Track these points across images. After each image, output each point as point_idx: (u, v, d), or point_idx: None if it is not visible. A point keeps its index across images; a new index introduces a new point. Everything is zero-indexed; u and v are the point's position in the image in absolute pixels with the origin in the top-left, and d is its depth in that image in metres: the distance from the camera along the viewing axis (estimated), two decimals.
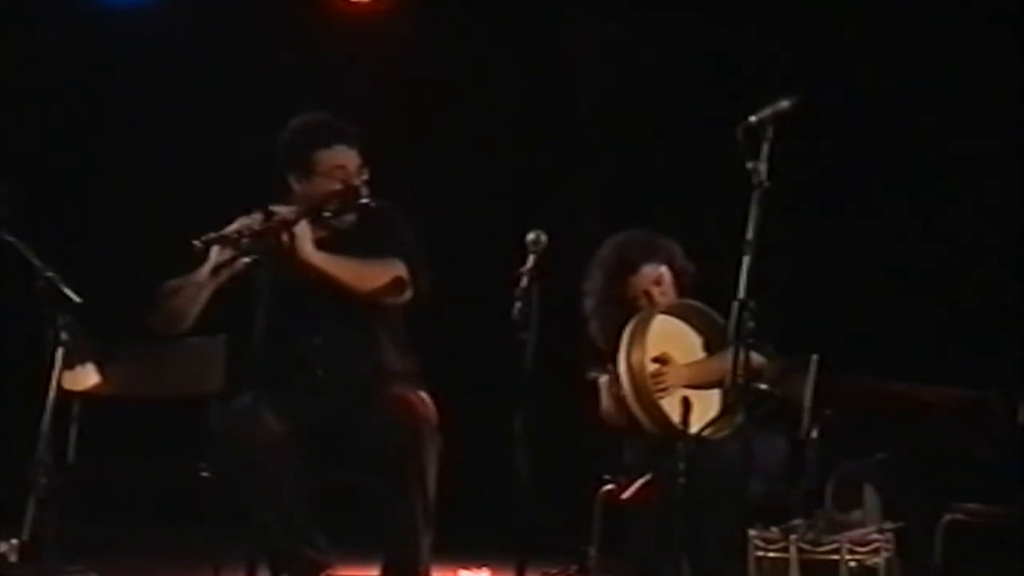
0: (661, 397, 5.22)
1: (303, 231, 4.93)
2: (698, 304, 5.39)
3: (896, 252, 6.92)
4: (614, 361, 5.30)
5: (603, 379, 5.40)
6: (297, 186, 5.11)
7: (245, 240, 4.93)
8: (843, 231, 6.97)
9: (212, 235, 4.92)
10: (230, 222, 5.06)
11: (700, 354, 5.39)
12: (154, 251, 6.81)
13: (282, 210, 4.99)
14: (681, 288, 5.49)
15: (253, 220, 5.01)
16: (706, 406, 5.18)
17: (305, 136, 5.12)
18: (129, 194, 7.64)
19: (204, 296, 4.96)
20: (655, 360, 5.29)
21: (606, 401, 5.40)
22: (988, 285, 6.66)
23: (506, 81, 7.49)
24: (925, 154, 6.91)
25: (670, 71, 7.23)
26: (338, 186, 5.06)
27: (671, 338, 5.36)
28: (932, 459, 5.53)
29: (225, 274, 4.93)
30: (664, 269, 5.48)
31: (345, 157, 5.08)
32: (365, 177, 5.08)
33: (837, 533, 4.79)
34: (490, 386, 5.33)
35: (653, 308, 5.40)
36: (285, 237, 4.91)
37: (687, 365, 5.32)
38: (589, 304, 5.56)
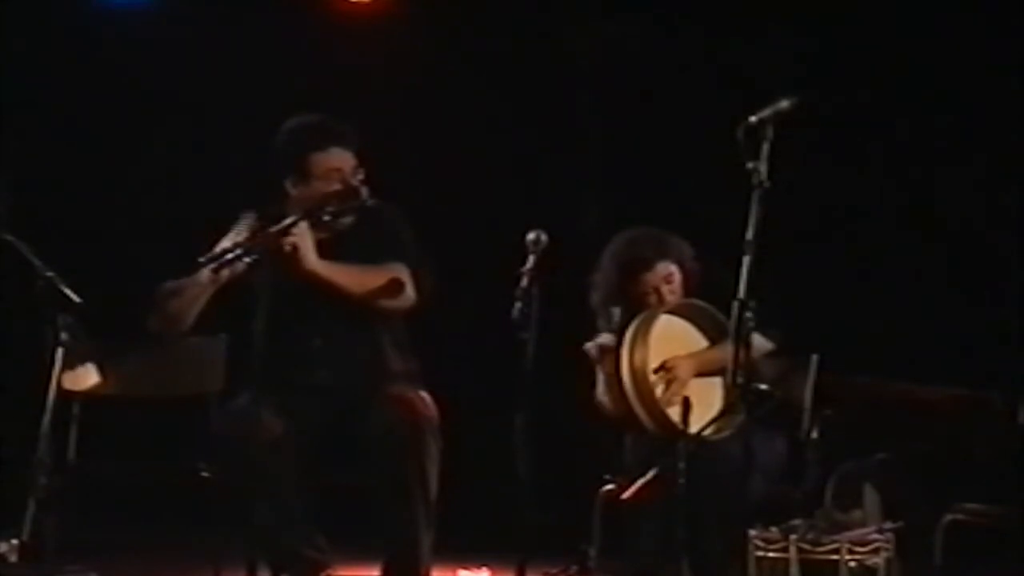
0: (673, 399, 5.22)
1: (304, 238, 4.92)
2: (702, 303, 5.38)
3: (896, 252, 6.93)
4: (617, 357, 5.31)
5: (599, 340, 5.40)
6: (293, 190, 5.09)
7: (247, 248, 4.92)
8: (844, 230, 6.98)
9: (215, 251, 4.91)
10: (230, 222, 5.06)
11: None
12: (154, 251, 6.85)
13: (283, 223, 4.96)
14: (687, 289, 5.49)
15: (249, 224, 5.00)
16: (706, 406, 5.18)
17: (299, 139, 5.09)
18: (129, 194, 7.64)
19: (204, 298, 4.95)
20: (658, 370, 5.28)
21: (599, 386, 5.40)
22: (988, 285, 6.66)
23: (506, 81, 7.49)
24: (928, 152, 6.92)
25: (670, 70, 7.23)
26: (336, 188, 5.05)
27: (675, 338, 5.36)
28: (932, 459, 5.53)
29: (225, 276, 4.92)
30: (675, 268, 5.48)
31: (340, 159, 5.07)
32: (361, 177, 5.07)
33: (837, 533, 4.80)
34: (490, 386, 5.33)
35: (658, 307, 5.40)
36: (287, 246, 4.90)
37: (693, 354, 5.32)
38: (597, 297, 5.55)
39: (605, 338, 5.44)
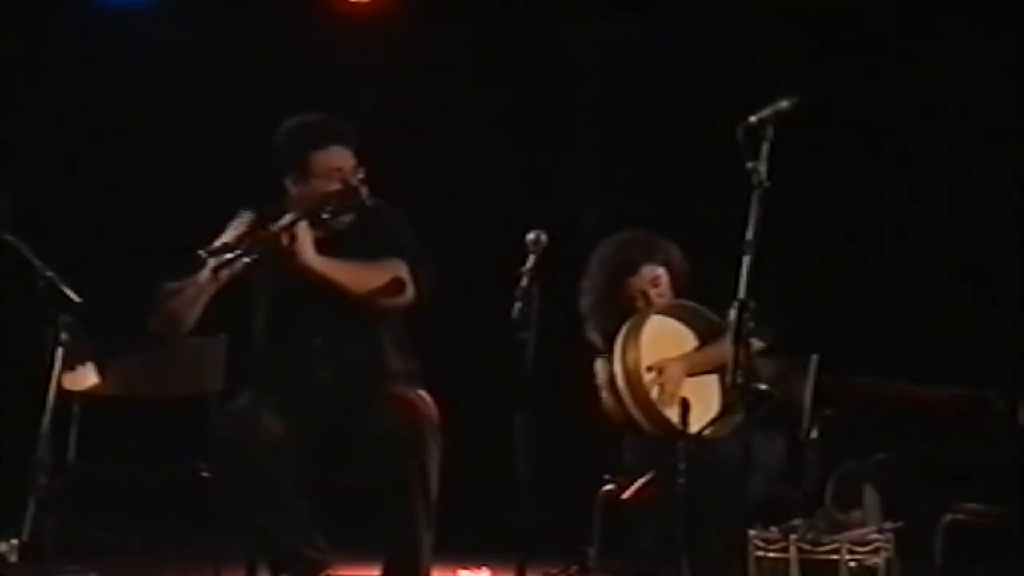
0: (669, 401, 5.22)
1: (303, 236, 4.92)
2: (692, 304, 5.40)
3: (897, 251, 6.93)
4: (611, 359, 5.31)
5: (598, 365, 5.41)
6: (294, 188, 5.09)
7: (247, 244, 4.92)
8: (843, 230, 6.98)
9: (215, 245, 4.91)
10: (230, 222, 5.06)
11: None
12: (154, 251, 6.84)
13: (283, 220, 4.96)
14: (677, 290, 5.50)
15: (247, 222, 5.00)
16: (706, 406, 5.18)
17: (299, 138, 5.09)
18: (129, 193, 7.64)
19: (204, 298, 4.95)
20: (650, 369, 5.29)
21: (604, 391, 5.41)
22: (989, 285, 6.66)
23: (506, 81, 7.49)
24: (928, 152, 6.92)
25: (670, 70, 7.23)
26: (336, 187, 5.05)
27: (667, 338, 5.36)
28: (932, 459, 5.53)
29: (225, 276, 4.92)
30: (662, 270, 5.49)
31: (340, 158, 5.07)
32: (361, 176, 5.07)
33: (837, 533, 4.80)
34: (490, 386, 5.33)
35: (648, 309, 5.40)
36: (286, 242, 4.90)
37: (683, 356, 5.33)
38: (586, 303, 5.56)
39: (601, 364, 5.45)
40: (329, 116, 5.15)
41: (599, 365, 5.45)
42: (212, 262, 4.88)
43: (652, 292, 5.47)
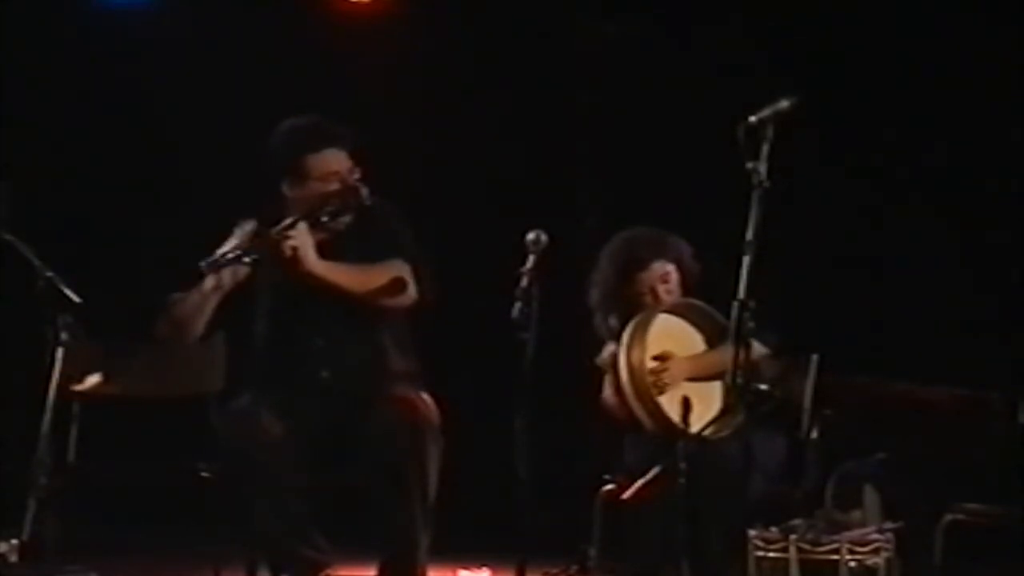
0: (662, 392, 5.23)
1: (304, 240, 4.92)
2: (700, 303, 5.39)
3: (897, 251, 6.93)
4: (616, 356, 5.30)
5: (606, 353, 5.41)
6: (290, 192, 5.07)
7: (247, 250, 4.92)
8: (843, 230, 6.98)
9: (215, 257, 4.91)
10: (230, 221, 5.06)
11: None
12: (154, 250, 6.85)
13: (282, 224, 4.95)
14: (686, 288, 5.50)
15: (248, 232, 5.00)
16: (706, 406, 5.18)
17: (293, 141, 5.07)
18: (129, 194, 7.64)
19: (210, 305, 4.94)
20: (656, 358, 5.30)
21: (607, 389, 5.41)
22: (988, 284, 6.66)
23: (506, 81, 7.49)
24: (927, 152, 6.92)
25: (670, 70, 7.23)
26: (334, 187, 5.05)
27: (673, 336, 5.36)
28: (932, 459, 5.53)
29: (228, 282, 4.92)
30: (672, 267, 5.49)
31: (336, 160, 5.06)
32: (357, 177, 5.07)
33: (837, 533, 4.80)
34: (490, 386, 5.33)
35: (655, 307, 5.40)
36: (287, 249, 4.90)
37: (689, 358, 5.34)
38: (595, 296, 5.56)
39: (614, 348, 5.45)
40: (323, 118, 5.13)
41: (607, 348, 5.44)
42: (211, 280, 4.87)
43: (661, 288, 5.47)
